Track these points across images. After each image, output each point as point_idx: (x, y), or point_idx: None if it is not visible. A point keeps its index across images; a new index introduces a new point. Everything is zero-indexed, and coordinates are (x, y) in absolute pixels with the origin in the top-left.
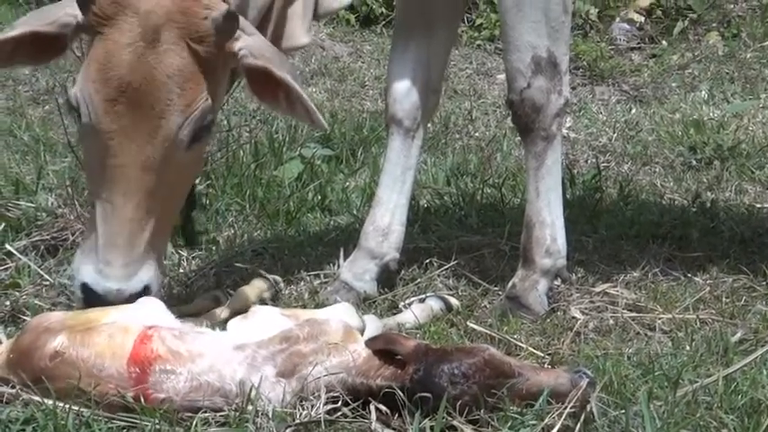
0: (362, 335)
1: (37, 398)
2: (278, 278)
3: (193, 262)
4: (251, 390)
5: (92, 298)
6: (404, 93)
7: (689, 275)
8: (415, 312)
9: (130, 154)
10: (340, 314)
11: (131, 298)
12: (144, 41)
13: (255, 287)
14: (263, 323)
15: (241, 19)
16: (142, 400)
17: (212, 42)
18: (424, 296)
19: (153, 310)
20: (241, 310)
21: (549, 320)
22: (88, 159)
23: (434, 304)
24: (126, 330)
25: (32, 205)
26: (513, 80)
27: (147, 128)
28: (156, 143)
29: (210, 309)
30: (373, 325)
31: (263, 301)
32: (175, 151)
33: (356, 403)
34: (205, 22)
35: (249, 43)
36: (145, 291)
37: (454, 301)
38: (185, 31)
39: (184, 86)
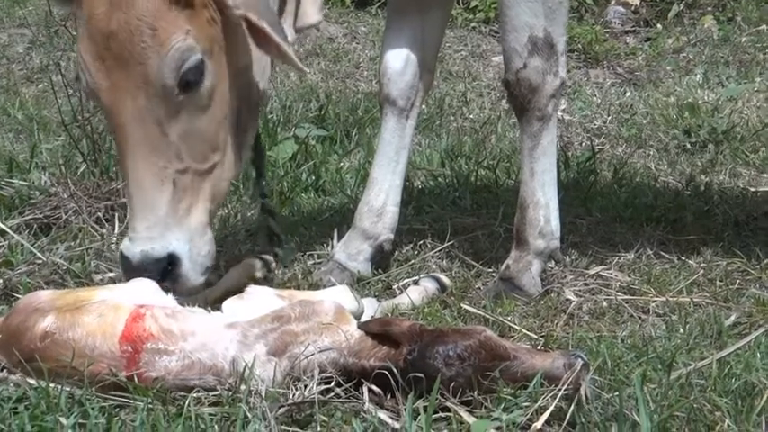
0: (361, 317)
1: (29, 377)
2: (270, 258)
3: None
4: (244, 369)
5: (126, 267)
6: (398, 72)
7: (683, 258)
8: (410, 295)
9: (126, 110)
10: (336, 296)
11: (157, 264)
12: None
13: (247, 267)
14: (258, 304)
15: None
16: (135, 378)
17: None
18: (416, 278)
19: (143, 289)
20: (233, 289)
21: (542, 302)
22: (109, 132)
23: (429, 285)
24: (117, 309)
25: (26, 184)
26: (510, 60)
27: (132, 78)
28: (143, 92)
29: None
30: (372, 307)
31: (257, 282)
32: (166, 97)
33: (349, 384)
34: None
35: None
36: (171, 260)
37: (447, 281)
38: None
39: (155, 25)
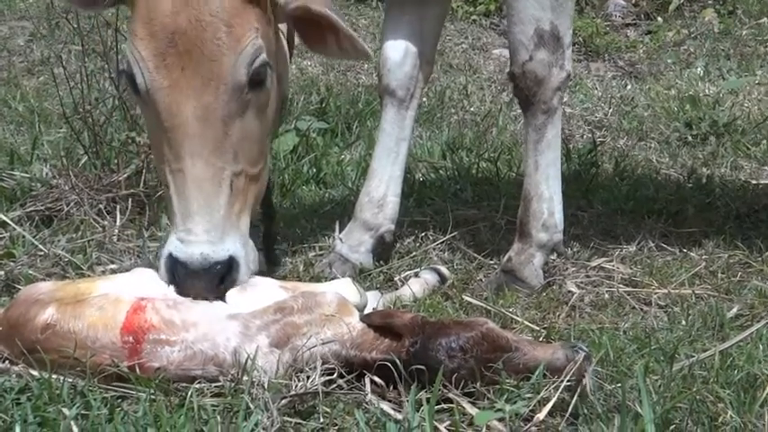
0: (364, 309)
1: (31, 368)
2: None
3: None
4: (246, 360)
5: (177, 269)
6: (397, 64)
7: (684, 251)
8: (412, 287)
9: (189, 108)
10: (339, 288)
11: (218, 269)
12: None
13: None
14: (261, 295)
15: None
16: (137, 369)
17: None
18: (417, 270)
19: (144, 280)
20: None
21: (544, 294)
22: (151, 131)
23: (429, 277)
24: (118, 301)
25: (27, 176)
26: (516, 52)
27: (201, 75)
28: (212, 89)
29: None
30: (374, 300)
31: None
32: (234, 95)
33: (351, 375)
34: None
35: None
36: (231, 263)
37: (447, 273)
38: None
39: (231, 22)
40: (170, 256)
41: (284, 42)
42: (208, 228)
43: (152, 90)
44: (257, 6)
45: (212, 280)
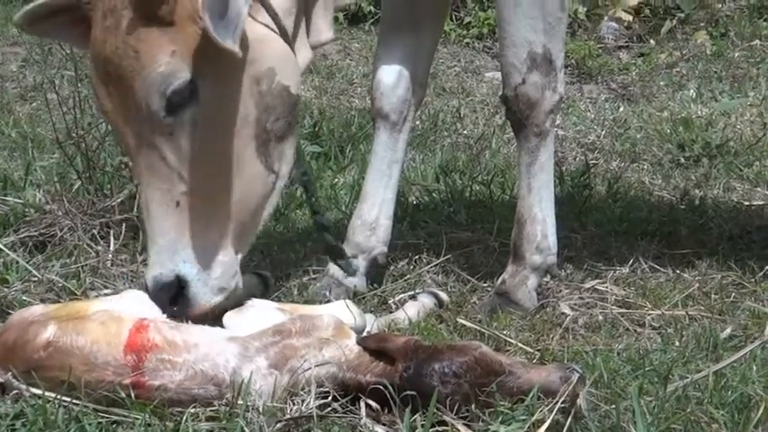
0: (363, 332)
1: (27, 393)
2: (267, 273)
3: None
4: (242, 384)
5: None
6: (390, 87)
7: (678, 272)
8: (408, 310)
9: (128, 133)
10: (338, 311)
11: (166, 289)
12: (108, 11)
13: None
14: (259, 317)
15: None
16: (136, 388)
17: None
18: (413, 293)
19: (136, 302)
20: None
21: (538, 316)
22: None
23: (426, 300)
24: (119, 320)
25: (20, 201)
26: (508, 75)
27: (126, 101)
28: (136, 115)
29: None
30: (369, 323)
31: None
32: (156, 121)
33: (346, 399)
34: None
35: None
36: (178, 282)
37: (444, 296)
38: None
39: (137, 48)
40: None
41: (276, 38)
42: (158, 250)
43: (101, 110)
44: (170, 25)
45: (163, 300)
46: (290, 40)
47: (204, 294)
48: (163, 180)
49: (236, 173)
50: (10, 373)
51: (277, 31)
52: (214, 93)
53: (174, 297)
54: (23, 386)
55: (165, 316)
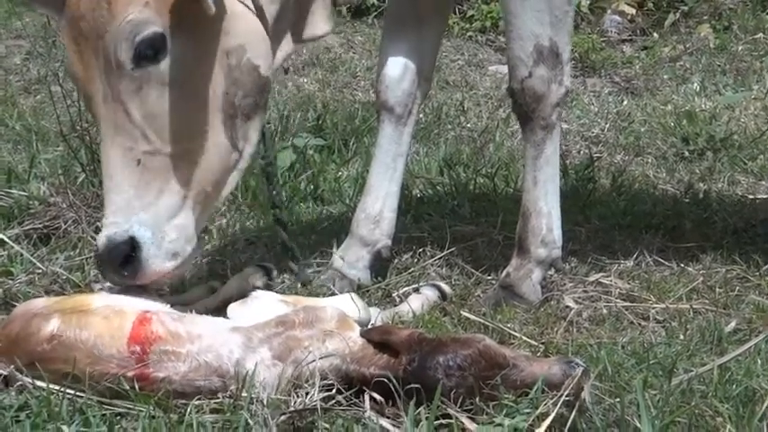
0: (368, 325)
1: (30, 385)
2: (270, 265)
3: None
4: (246, 375)
5: (95, 254)
6: (395, 80)
7: (682, 265)
8: (411, 303)
9: (93, 90)
10: (342, 303)
11: (119, 249)
12: None
13: (248, 275)
14: (262, 309)
15: None
16: (140, 380)
17: None
18: (417, 286)
19: (138, 296)
20: (233, 298)
21: (542, 310)
22: None
23: (429, 293)
24: (122, 312)
25: (25, 194)
26: (515, 68)
27: (95, 56)
28: (104, 69)
29: (204, 298)
30: (372, 316)
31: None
32: (122, 73)
33: (350, 391)
34: None
35: None
36: (132, 243)
37: (448, 289)
38: None
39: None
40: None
41: (252, 17)
42: (114, 209)
43: (71, 75)
44: None
45: (114, 261)
46: (267, 24)
47: (156, 258)
48: (126, 137)
49: (201, 140)
50: (13, 366)
51: (254, 11)
52: (184, 52)
53: (125, 259)
54: (27, 379)
55: (168, 307)
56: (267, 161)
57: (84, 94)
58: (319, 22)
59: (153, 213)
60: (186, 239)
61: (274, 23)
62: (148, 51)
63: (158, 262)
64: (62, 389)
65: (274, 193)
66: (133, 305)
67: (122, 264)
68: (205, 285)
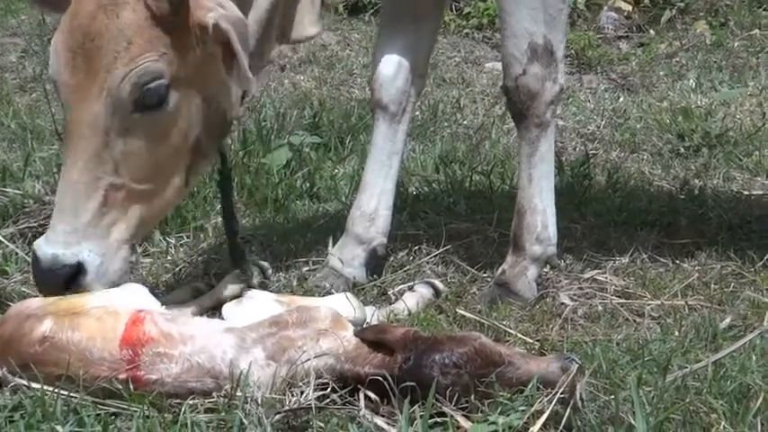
0: (363, 324)
1: (25, 385)
2: (266, 264)
3: (181, 249)
4: (240, 375)
5: (35, 264)
6: (390, 78)
7: (677, 262)
8: (407, 301)
9: (82, 110)
10: (337, 303)
11: (64, 271)
12: None
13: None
14: (257, 308)
15: None
16: (132, 382)
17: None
18: (411, 284)
19: (136, 295)
20: (227, 297)
21: (538, 307)
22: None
23: (424, 291)
24: (115, 314)
25: (19, 192)
26: (509, 66)
27: (97, 82)
28: (102, 99)
29: (188, 299)
30: (368, 314)
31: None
32: (120, 110)
33: (345, 390)
34: None
35: (221, 14)
36: (78, 267)
37: (441, 286)
38: None
39: (132, 40)
40: (33, 250)
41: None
42: (68, 230)
43: (58, 83)
44: (171, 32)
45: (57, 281)
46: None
47: (98, 285)
48: (98, 166)
49: (164, 180)
50: (5, 368)
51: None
52: (178, 103)
53: (67, 279)
54: (21, 381)
55: (161, 307)
56: (225, 173)
57: (63, 101)
58: (307, 23)
59: (105, 243)
60: (125, 270)
61: (264, 27)
62: (151, 100)
63: (99, 288)
64: (56, 389)
65: (231, 203)
66: (128, 305)
67: (64, 283)
68: (189, 287)
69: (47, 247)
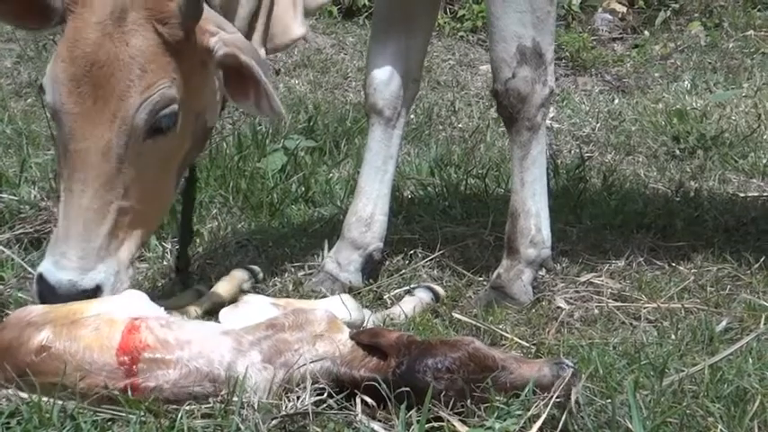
0: (362, 327)
1: (22, 392)
2: (257, 268)
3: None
4: (236, 381)
5: (45, 290)
6: (384, 82)
7: (673, 265)
8: (404, 306)
9: (91, 138)
10: (333, 305)
11: (83, 294)
12: (111, 20)
13: (234, 280)
14: (254, 312)
15: (221, 18)
16: (130, 390)
17: (177, 25)
18: (410, 287)
19: (136, 302)
20: (222, 301)
21: (533, 310)
22: (58, 142)
23: (423, 295)
24: (112, 322)
25: (15, 198)
26: (498, 70)
27: (107, 110)
28: (114, 127)
29: (192, 303)
30: (368, 319)
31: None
32: (134, 138)
33: (341, 395)
34: (170, 4)
35: (225, 38)
36: (96, 290)
37: (441, 291)
38: (151, 12)
39: (146, 67)
40: (41, 276)
41: (215, 81)
42: (82, 255)
43: (61, 112)
44: (179, 57)
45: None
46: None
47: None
48: (110, 191)
49: (162, 197)
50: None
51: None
52: (181, 125)
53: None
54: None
55: (159, 313)
56: (192, 182)
57: (66, 130)
58: (290, 25)
59: (116, 263)
60: (129, 286)
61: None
62: (164, 125)
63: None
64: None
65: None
66: (125, 313)
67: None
68: (192, 290)
69: (61, 274)
